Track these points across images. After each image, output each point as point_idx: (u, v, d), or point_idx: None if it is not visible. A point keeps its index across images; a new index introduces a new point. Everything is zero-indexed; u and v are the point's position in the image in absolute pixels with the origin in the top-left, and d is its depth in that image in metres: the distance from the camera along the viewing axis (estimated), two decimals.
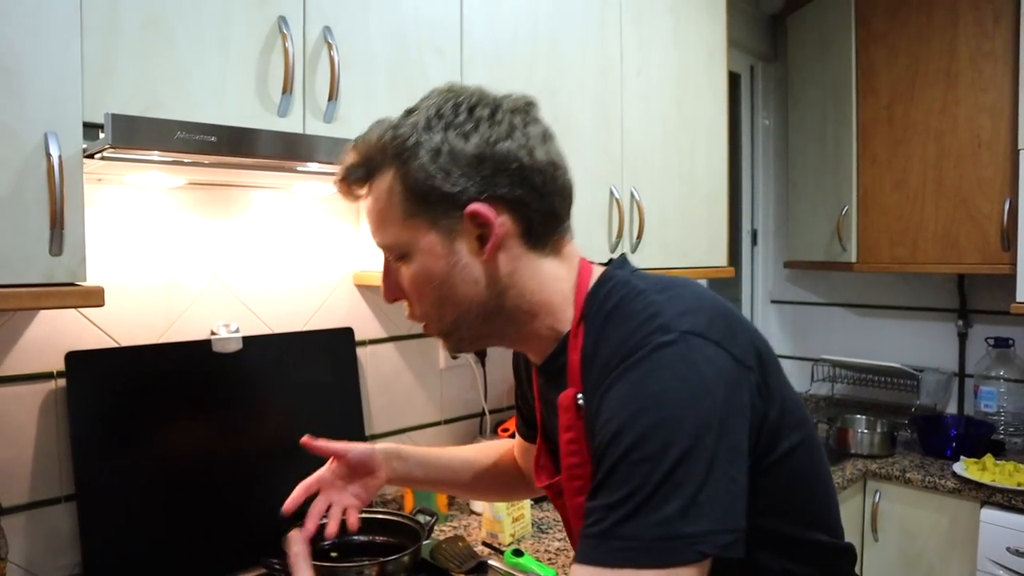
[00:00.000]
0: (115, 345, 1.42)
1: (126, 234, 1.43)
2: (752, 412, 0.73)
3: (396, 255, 0.83)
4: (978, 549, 2.07)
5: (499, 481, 1.24)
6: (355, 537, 1.57)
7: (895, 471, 2.26)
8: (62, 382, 1.35)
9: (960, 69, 2.36)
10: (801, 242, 2.87)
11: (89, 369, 1.35)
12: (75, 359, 1.34)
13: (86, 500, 1.33)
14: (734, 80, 2.96)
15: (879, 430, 2.47)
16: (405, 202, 0.79)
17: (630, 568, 0.64)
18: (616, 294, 0.80)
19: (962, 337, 2.69)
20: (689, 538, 0.65)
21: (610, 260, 0.88)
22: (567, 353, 0.82)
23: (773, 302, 3.24)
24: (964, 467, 2.17)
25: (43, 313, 1.34)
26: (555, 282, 0.84)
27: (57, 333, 1.36)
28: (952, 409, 2.71)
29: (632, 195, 1.87)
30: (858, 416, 2.61)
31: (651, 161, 1.95)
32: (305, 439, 1.10)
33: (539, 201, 0.80)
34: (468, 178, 0.77)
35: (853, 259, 2.62)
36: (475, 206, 0.78)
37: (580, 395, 0.80)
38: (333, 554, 1.52)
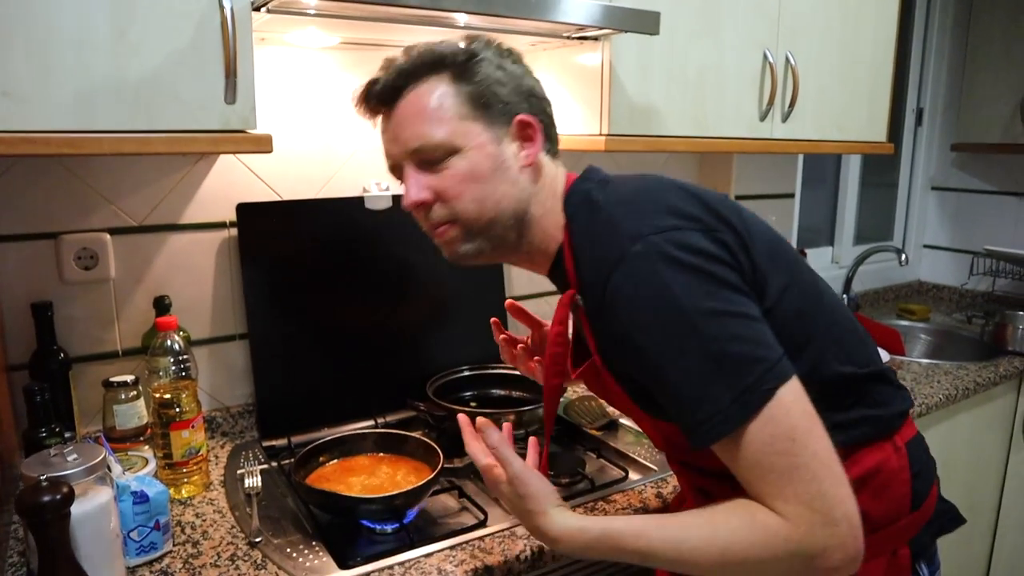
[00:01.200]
0: (278, 199, 1.53)
1: (285, 93, 1.50)
2: (734, 261, 0.82)
3: (443, 153, 0.90)
4: None
5: None
6: (493, 390, 1.68)
7: None
8: (234, 231, 1.48)
9: None
10: (976, 122, 2.60)
11: (256, 219, 1.47)
12: (244, 210, 1.46)
13: (256, 339, 1.48)
14: None
15: None
16: (462, 105, 0.90)
17: (731, 435, 0.76)
18: (583, 212, 0.92)
19: None
20: (756, 385, 0.75)
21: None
22: (564, 262, 0.94)
23: (934, 188, 2.99)
24: None
25: (217, 167, 1.46)
26: (556, 185, 0.97)
27: (229, 186, 1.47)
28: None
29: (788, 60, 1.74)
30: (1020, 312, 2.42)
31: (811, 25, 1.79)
32: (509, 303, 1.20)
33: (551, 126, 0.98)
34: (515, 95, 0.93)
35: None
36: (523, 116, 0.92)
37: (577, 295, 0.91)
38: (473, 404, 1.63)
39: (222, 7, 1.03)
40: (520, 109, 0.93)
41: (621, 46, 1.44)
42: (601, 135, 1.46)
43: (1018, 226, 2.74)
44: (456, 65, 0.91)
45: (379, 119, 0.98)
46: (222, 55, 1.05)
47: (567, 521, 0.86)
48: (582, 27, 1.30)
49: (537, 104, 0.96)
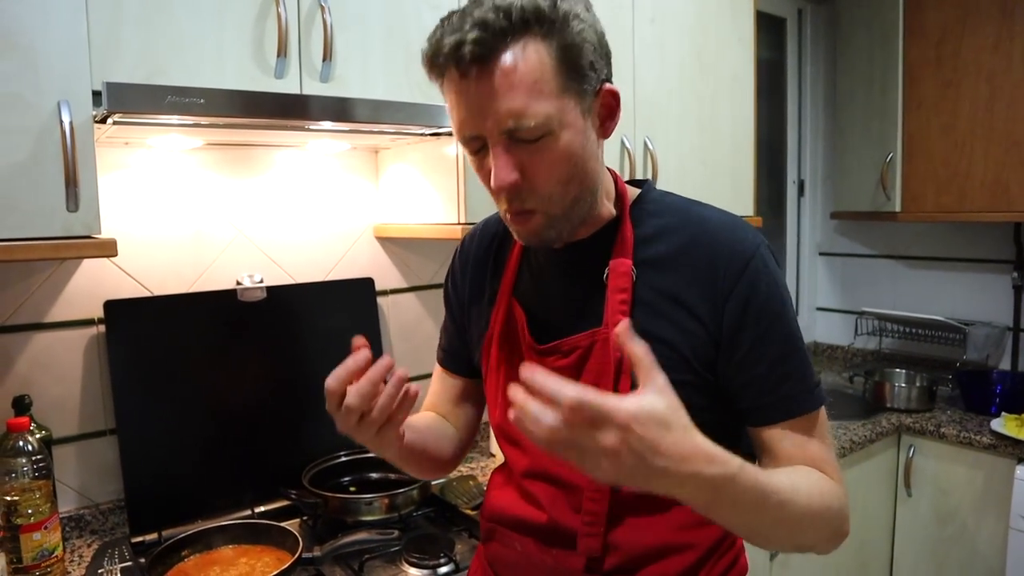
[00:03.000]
0: (149, 294, 1.55)
1: (155, 192, 1.55)
2: None
3: (541, 132, 0.79)
4: (1012, 507, 2.01)
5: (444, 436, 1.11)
6: (371, 474, 1.70)
7: (930, 426, 2.21)
8: (102, 328, 1.50)
9: (1017, 1, 2.22)
10: (847, 192, 2.78)
11: (125, 316, 1.49)
12: (113, 307, 1.48)
13: (126, 434, 1.48)
14: (779, 24, 2.87)
15: (918, 384, 2.41)
16: (559, 74, 0.78)
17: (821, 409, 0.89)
18: (675, 201, 0.94)
19: (1017, 289, 2.56)
20: (818, 385, 0.90)
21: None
22: (620, 232, 0.91)
23: (821, 254, 3.16)
24: (1002, 423, 2.11)
25: (84, 266, 1.49)
26: (606, 172, 0.93)
27: (97, 284, 1.50)
28: (1006, 365, 2.61)
29: (646, 144, 1.87)
30: (897, 370, 2.55)
31: (666, 111, 1.93)
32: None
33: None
34: (600, 56, 0.83)
35: (897, 208, 2.54)
36: (611, 86, 0.85)
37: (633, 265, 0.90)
38: (352, 488, 1.64)
39: (61, 122, 1.09)
40: (605, 75, 0.84)
41: None
42: (459, 224, 1.54)
43: (896, 286, 2.91)
44: (557, 18, 0.78)
45: (451, 79, 0.81)
46: (62, 167, 1.10)
47: (712, 445, 0.68)
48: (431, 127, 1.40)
49: (610, 65, 0.86)
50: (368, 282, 1.81)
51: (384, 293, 1.87)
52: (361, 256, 1.84)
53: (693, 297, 0.86)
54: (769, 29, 2.82)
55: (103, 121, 1.17)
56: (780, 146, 2.95)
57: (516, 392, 0.64)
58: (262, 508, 1.56)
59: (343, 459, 1.68)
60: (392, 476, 1.67)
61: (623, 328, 0.66)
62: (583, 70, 0.80)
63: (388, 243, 1.87)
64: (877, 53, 2.58)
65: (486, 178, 0.85)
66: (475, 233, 1.12)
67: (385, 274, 1.87)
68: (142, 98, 1.07)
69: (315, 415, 1.68)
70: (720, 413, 0.89)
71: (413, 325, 1.92)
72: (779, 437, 0.87)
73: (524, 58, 0.77)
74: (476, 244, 1.10)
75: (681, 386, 0.78)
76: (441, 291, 2.00)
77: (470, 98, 0.79)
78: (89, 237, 1.14)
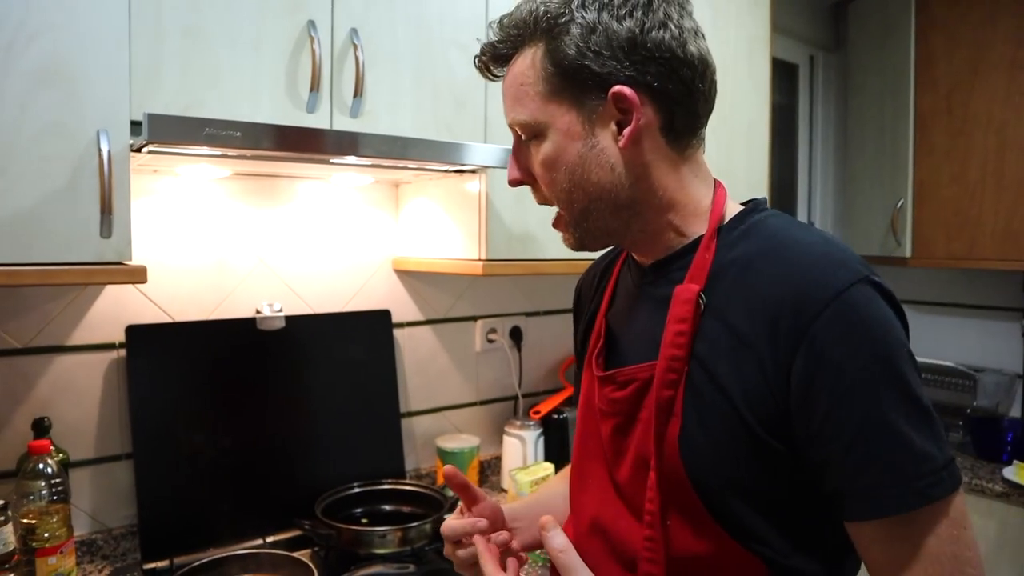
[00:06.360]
0: (170, 320, 1.57)
1: (180, 220, 1.57)
2: None
3: (530, 134, 0.83)
4: None
5: None
6: (383, 506, 1.69)
7: None
8: (123, 352, 1.51)
9: None
10: (857, 236, 2.80)
11: (146, 341, 1.51)
12: (134, 332, 1.50)
13: (142, 459, 1.48)
14: (791, 71, 2.92)
15: None
16: (550, 79, 0.79)
17: (937, 502, 0.67)
18: (776, 223, 0.81)
19: None
20: (948, 467, 0.68)
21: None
22: (696, 254, 0.80)
23: None
24: (1015, 471, 2.10)
25: (107, 290, 1.50)
26: (692, 187, 0.83)
27: (119, 308, 1.52)
28: (1016, 412, 2.61)
29: None
30: None
31: None
32: (450, 470, 0.92)
33: (685, 97, 0.79)
34: (617, 62, 0.76)
35: (908, 254, 2.55)
36: (620, 88, 0.76)
37: (701, 293, 0.78)
38: (364, 520, 1.64)
39: (100, 150, 1.11)
40: (621, 78, 0.77)
41: (497, 178, 1.56)
42: (479, 260, 1.56)
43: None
44: (554, 26, 0.78)
45: None
46: (98, 194, 1.12)
47: None
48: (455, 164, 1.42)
49: (660, 68, 0.77)
50: (385, 314, 1.83)
51: (400, 325, 1.88)
52: (379, 288, 1.85)
53: (762, 340, 0.72)
54: (781, 75, 2.87)
55: (139, 150, 1.20)
56: (791, 190, 2.98)
57: None
58: (274, 538, 1.56)
59: (356, 490, 1.67)
60: (405, 509, 1.67)
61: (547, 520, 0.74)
62: (577, 77, 0.77)
63: (406, 276, 1.89)
64: (888, 101, 2.63)
65: None
66: (604, 253, 1.07)
67: (402, 307, 1.89)
68: (180, 130, 1.09)
69: (328, 444, 1.70)
70: (796, 491, 0.73)
71: (428, 358, 1.93)
72: (867, 540, 0.70)
73: (517, 64, 0.82)
74: (597, 263, 1.07)
75: (729, 446, 0.73)
76: (455, 324, 2.03)
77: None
78: (120, 263, 1.17)
